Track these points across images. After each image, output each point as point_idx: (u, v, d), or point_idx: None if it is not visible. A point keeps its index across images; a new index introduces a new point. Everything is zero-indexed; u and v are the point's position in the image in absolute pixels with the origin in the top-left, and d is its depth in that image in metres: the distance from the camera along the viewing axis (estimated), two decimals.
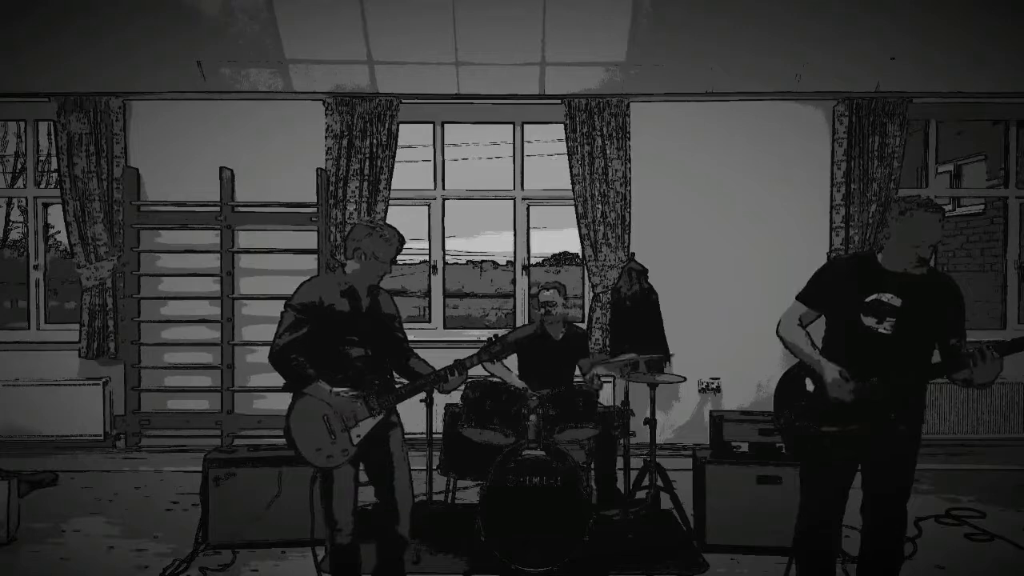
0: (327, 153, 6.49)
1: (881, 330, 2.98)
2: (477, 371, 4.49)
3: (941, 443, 6.37)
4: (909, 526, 4.33)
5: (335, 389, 3.24)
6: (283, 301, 3.34)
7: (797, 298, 3.22)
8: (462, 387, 4.37)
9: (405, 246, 3.50)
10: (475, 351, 3.52)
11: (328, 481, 3.32)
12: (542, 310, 4.93)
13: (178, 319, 6.54)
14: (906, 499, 3.11)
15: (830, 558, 3.29)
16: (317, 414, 3.26)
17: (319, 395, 3.23)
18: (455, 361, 3.42)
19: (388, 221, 6.51)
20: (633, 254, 6.51)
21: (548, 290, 4.90)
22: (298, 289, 3.35)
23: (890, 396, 2.96)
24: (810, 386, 3.14)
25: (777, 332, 3.21)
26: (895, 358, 2.96)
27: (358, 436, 3.28)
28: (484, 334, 4.99)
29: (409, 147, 7.32)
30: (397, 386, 3.48)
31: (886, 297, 2.98)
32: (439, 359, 3.65)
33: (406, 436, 3.49)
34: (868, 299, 3.00)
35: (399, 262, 3.63)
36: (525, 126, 6.91)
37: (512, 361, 5.13)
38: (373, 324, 3.41)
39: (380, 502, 3.41)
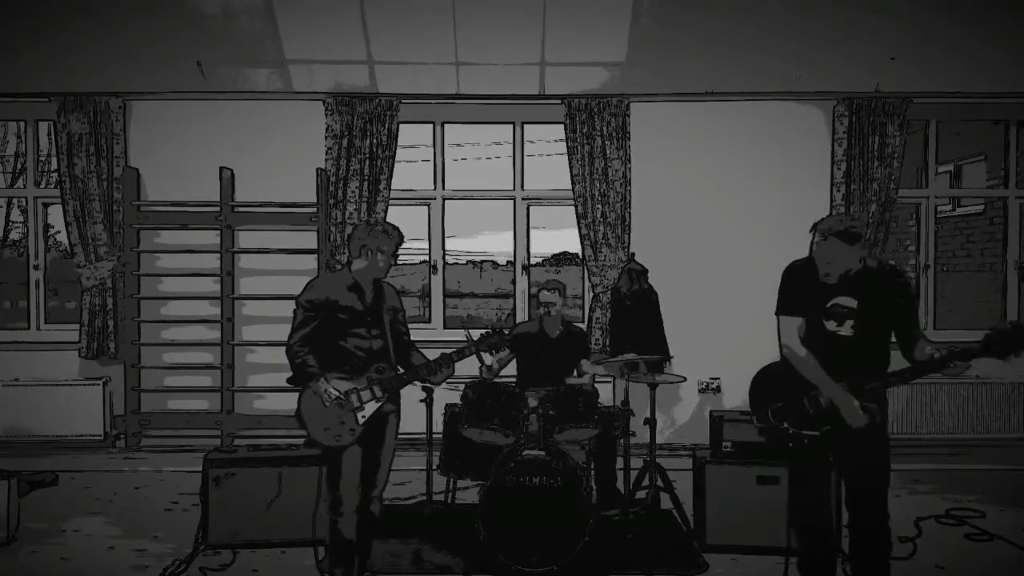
0: (327, 153, 6.49)
1: (842, 332, 3.12)
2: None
3: (941, 443, 6.38)
4: (909, 526, 4.36)
5: (327, 387, 3.41)
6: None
7: (784, 313, 3.25)
8: (463, 387, 4.41)
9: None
10: (471, 342, 3.69)
11: (336, 463, 3.46)
12: (542, 309, 4.94)
13: (178, 319, 6.54)
14: (885, 491, 3.20)
15: (830, 558, 3.33)
16: None
17: (317, 392, 3.42)
18: (441, 354, 3.63)
19: (388, 221, 6.53)
20: (633, 254, 6.51)
21: (549, 291, 4.91)
22: (306, 287, 3.57)
23: (860, 394, 3.06)
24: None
25: (784, 354, 3.25)
26: (858, 357, 3.08)
27: (363, 417, 3.47)
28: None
29: (409, 147, 7.32)
30: (400, 372, 3.65)
31: (843, 300, 3.11)
32: None
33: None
34: (828, 304, 3.13)
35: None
36: (525, 126, 6.90)
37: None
38: (377, 317, 3.59)
39: (361, 478, 3.54)
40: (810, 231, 3.17)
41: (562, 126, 6.57)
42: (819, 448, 3.19)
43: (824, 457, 3.23)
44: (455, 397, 4.53)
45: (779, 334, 3.26)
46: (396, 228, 3.65)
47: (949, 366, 2.91)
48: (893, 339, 3.18)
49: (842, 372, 3.07)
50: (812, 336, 3.18)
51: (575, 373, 4.98)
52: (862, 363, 3.08)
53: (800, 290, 3.21)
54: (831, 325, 3.12)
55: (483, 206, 7.18)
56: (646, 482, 4.60)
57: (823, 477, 3.26)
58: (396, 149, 6.55)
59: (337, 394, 3.42)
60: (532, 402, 4.27)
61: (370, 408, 3.48)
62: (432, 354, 3.70)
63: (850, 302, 3.10)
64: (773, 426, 3.26)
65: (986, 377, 6.50)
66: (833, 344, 3.11)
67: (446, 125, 6.92)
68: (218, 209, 6.40)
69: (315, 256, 6.43)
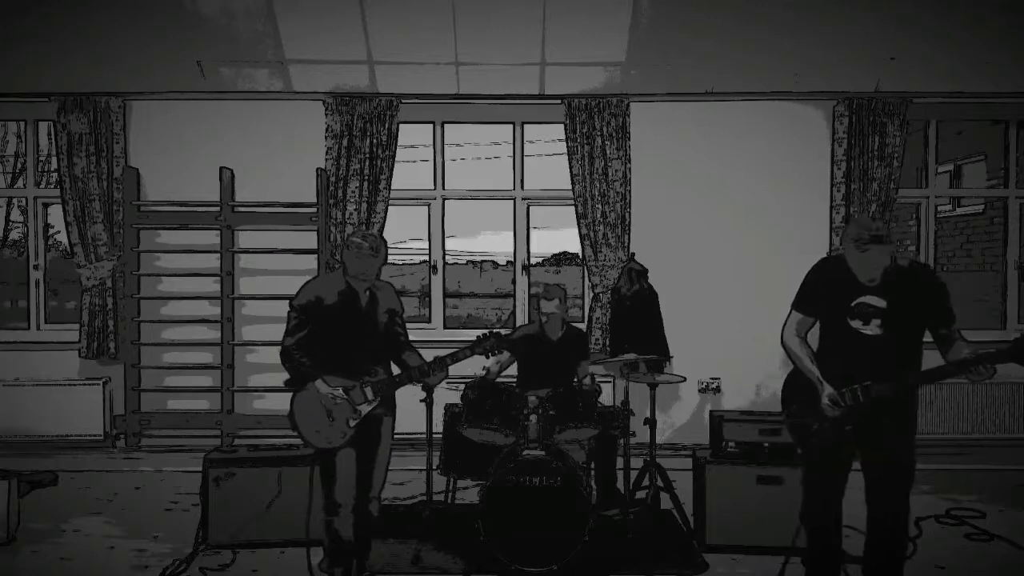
0: (327, 153, 6.49)
1: (868, 332, 3.07)
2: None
3: (941, 443, 6.37)
4: (909, 526, 4.35)
5: (331, 391, 3.45)
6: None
7: (793, 307, 3.30)
8: (463, 387, 4.41)
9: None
10: (467, 344, 3.67)
11: (330, 464, 3.47)
12: (543, 317, 4.93)
13: (178, 319, 6.54)
14: (907, 489, 3.15)
15: (834, 556, 3.34)
16: (318, 399, 3.47)
17: (322, 393, 3.45)
18: (435, 357, 3.61)
19: (388, 221, 6.56)
20: (633, 254, 6.51)
21: (550, 300, 4.89)
22: (299, 290, 3.56)
23: (883, 396, 3.01)
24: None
25: (781, 342, 3.31)
26: (884, 358, 3.03)
27: (355, 420, 3.47)
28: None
29: (409, 147, 7.32)
30: (394, 374, 3.67)
31: (870, 299, 3.06)
32: None
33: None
34: (853, 303, 3.08)
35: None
36: (525, 126, 6.90)
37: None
38: (371, 320, 3.59)
39: (358, 479, 3.56)
40: (840, 242, 3.12)
41: (562, 126, 6.58)
42: (837, 443, 3.15)
43: (843, 459, 3.21)
44: (455, 397, 4.53)
45: (784, 323, 3.32)
46: (370, 243, 3.49)
47: (972, 370, 2.86)
48: (928, 338, 3.12)
49: (866, 370, 3.02)
50: (835, 333, 3.16)
51: (578, 379, 4.98)
52: (889, 362, 3.03)
53: (820, 291, 3.22)
54: (856, 323, 3.08)
55: (483, 206, 7.18)
56: (646, 482, 4.60)
57: (838, 480, 3.24)
58: (396, 149, 6.55)
59: (342, 395, 3.44)
60: (532, 402, 4.27)
61: (362, 410, 3.49)
62: (432, 354, 3.70)
63: (878, 302, 3.05)
64: (798, 420, 3.26)
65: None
66: (857, 342, 3.07)
67: (446, 125, 6.92)
68: (218, 209, 6.40)
69: (315, 256, 6.43)
